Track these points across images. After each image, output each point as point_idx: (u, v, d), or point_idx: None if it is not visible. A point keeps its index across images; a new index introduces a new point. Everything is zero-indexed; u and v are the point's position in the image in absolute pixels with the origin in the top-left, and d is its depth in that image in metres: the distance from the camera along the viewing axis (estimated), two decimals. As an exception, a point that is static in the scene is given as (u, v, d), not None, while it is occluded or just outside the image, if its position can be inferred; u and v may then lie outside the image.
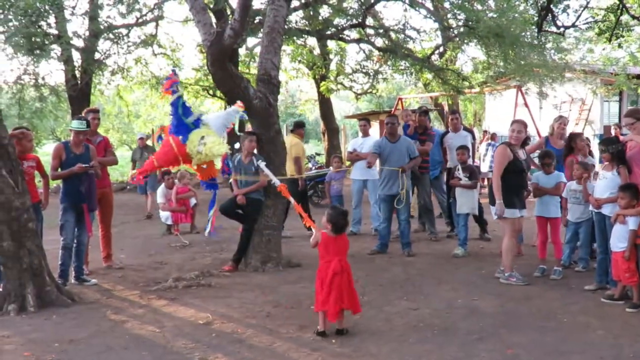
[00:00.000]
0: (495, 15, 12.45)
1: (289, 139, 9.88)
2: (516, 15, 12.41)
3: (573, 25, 16.12)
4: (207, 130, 6.16)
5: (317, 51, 22.13)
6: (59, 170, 7.22)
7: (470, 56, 26.96)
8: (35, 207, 6.66)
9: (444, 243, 9.39)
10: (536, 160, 8.24)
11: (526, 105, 15.76)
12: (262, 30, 8.34)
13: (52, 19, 14.79)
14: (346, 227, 5.51)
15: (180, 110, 6.01)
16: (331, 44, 21.74)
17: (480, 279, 7.19)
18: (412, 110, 12.08)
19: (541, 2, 14.14)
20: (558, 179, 7.42)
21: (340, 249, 5.34)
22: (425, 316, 5.78)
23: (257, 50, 15.55)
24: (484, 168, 14.00)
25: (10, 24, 13.18)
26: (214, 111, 6.65)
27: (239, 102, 6.75)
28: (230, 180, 8.43)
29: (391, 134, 8.79)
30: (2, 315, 5.98)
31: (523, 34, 12.79)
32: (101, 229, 8.17)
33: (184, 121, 6.05)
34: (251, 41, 18.37)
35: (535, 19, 14.03)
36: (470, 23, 12.97)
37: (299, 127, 10.57)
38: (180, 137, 6.14)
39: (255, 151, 8.03)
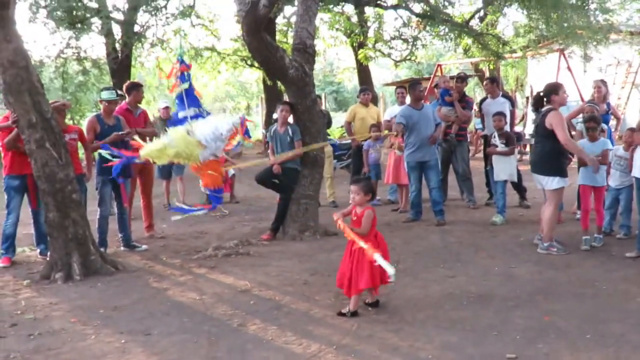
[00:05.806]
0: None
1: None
2: (558, -26, 12.04)
3: (620, -17, 15.56)
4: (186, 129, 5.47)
5: (354, 18, 21.88)
6: (95, 142, 7.37)
7: (511, 20, 26.28)
8: (78, 179, 6.84)
9: (483, 211, 9.32)
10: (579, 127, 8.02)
11: (569, 69, 15.34)
12: (297, -2, 8.30)
13: (91, -7, 15.00)
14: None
15: (186, 100, 5.47)
16: (369, 11, 21.45)
17: (518, 246, 7.14)
18: (450, 77, 11.91)
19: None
20: (604, 145, 7.18)
21: None
22: (461, 283, 5.78)
23: (294, 19, 15.47)
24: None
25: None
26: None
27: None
28: (268, 150, 8.51)
29: (416, 100, 8.74)
30: (50, 283, 6.20)
31: (566, -6, 12.42)
32: (142, 200, 8.36)
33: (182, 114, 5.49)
34: (289, 10, 18.30)
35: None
36: (510, -15, 12.67)
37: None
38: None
39: (291, 121, 8.09)
